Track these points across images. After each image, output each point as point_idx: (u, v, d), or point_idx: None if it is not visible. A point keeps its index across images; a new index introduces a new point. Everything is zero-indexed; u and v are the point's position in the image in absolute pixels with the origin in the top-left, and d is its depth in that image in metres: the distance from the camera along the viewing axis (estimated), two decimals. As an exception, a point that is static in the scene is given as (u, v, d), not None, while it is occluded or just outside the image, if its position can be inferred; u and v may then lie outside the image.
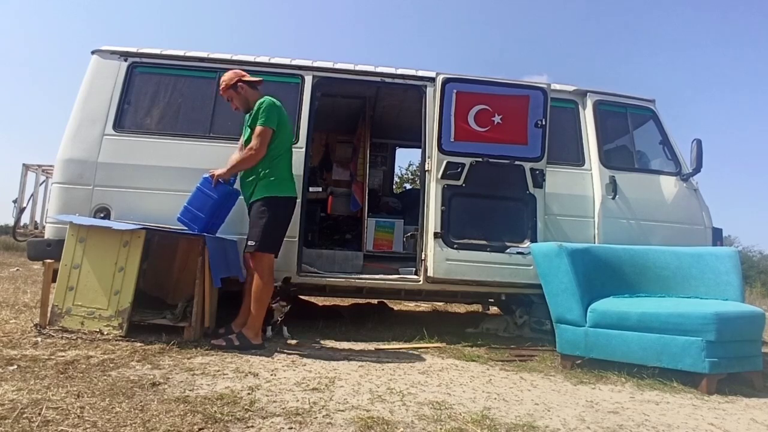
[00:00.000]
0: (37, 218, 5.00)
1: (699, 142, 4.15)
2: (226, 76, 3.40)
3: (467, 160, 3.87)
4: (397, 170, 10.40)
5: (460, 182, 3.87)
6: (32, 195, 4.99)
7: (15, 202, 4.85)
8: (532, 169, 3.90)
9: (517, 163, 3.90)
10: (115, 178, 3.79)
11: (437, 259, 3.80)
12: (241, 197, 3.46)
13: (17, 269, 8.25)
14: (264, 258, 3.21)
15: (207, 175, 3.34)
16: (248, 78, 3.41)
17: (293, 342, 3.44)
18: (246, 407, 2.03)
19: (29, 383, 2.14)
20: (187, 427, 1.79)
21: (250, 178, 3.32)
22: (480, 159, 3.88)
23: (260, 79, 3.48)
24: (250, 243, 3.22)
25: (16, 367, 2.37)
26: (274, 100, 3.31)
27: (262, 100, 3.30)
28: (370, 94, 5.34)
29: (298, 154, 3.96)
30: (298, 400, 2.17)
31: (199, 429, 1.78)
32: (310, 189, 5.07)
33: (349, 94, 5.35)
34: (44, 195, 4.99)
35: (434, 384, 2.59)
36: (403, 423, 1.97)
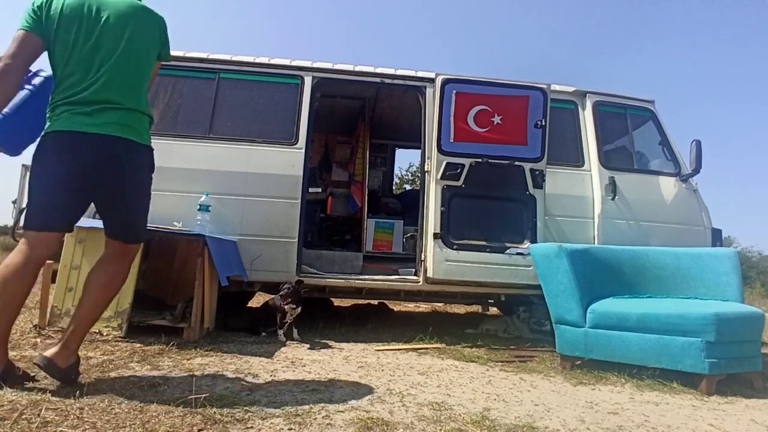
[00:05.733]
0: (37, 219, 4.99)
1: (698, 143, 4.16)
2: None
3: (467, 161, 3.87)
4: (396, 171, 10.41)
5: (459, 183, 3.87)
6: (31, 196, 4.97)
7: (14, 202, 4.84)
8: (531, 170, 3.90)
9: (516, 163, 3.90)
10: (115, 179, 3.78)
11: (437, 259, 3.80)
12: None
13: (16, 270, 8.24)
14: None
15: None
16: None
17: (293, 343, 3.45)
18: (245, 408, 2.03)
19: (28, 384, 2.13)
20: (186, 428, 1.79)
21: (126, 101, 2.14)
22: (480, 159, 3.89)
23: None
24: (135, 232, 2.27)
25: (15, 368, 2.37)
26: None
27: None
28: (370, 94, 5.34)
29: (298, 154, 3.97)
30: (297, 401, 2.17)
31: (199, 430, 1.78)
32: (310, 190, 5.08)
33: (349, 95, 5.35)
34: (44, 196, 4.98)
35: (434, 385, 2.59)
36: (402, 424, 1.97)
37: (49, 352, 2.07)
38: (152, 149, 2.27)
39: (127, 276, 2.32)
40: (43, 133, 2.09)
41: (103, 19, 2.10)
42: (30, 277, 2.05)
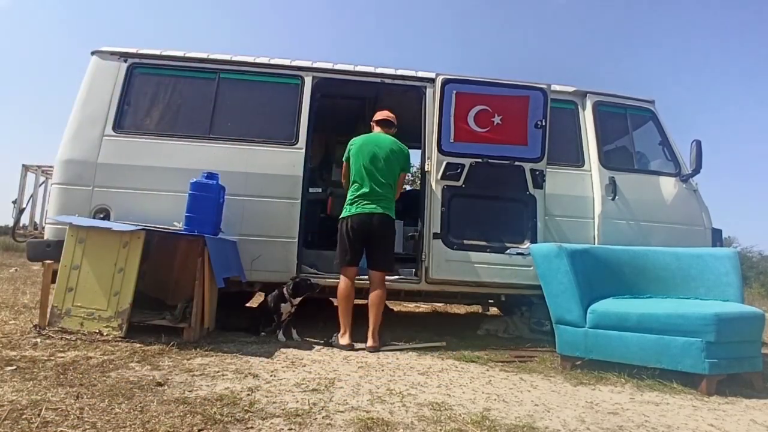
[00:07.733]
0: (37, 219, 5.00)
1: (698, 143, 4.16)
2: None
3: (467, 161, 3.87)
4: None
5: (459, 183, 3.87)
6: (32, 196, 4.98)
7: (14, 202, 4.84)
8: (532, 170, 3.90)
9: (517, 163, 3.90)
10: (115, 179, 3.79)
11: (437, 259, 3.80)
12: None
13: (16, 270, 8.25)
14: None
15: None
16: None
17: (293, 342, 3.45)
18: (246, 408, 2.03)
19: (28, 384, 2.14)
20: (186, 428, 1.79)
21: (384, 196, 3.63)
22: (480, 160, 3.88)
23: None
24: (389, 265, 3.64)
25: (15, 368, 2.37)
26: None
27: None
28: (370, 95, 5.33)
29: (298, 154, 3.97)
30: (297, 401, 2.17)
31: (199, 430, 1.78)
32: (310, 190, 5.07)
33: (349, 95, 5.34)
34: (44, 196, 4.98)
35: (434, 385, 2.59)
36: (402, 424, 1.97)
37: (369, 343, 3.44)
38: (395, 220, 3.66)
39: (385, 294, 3.64)
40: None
41: (374, 150, 3.69)
42: (352, 290, 3.60)
